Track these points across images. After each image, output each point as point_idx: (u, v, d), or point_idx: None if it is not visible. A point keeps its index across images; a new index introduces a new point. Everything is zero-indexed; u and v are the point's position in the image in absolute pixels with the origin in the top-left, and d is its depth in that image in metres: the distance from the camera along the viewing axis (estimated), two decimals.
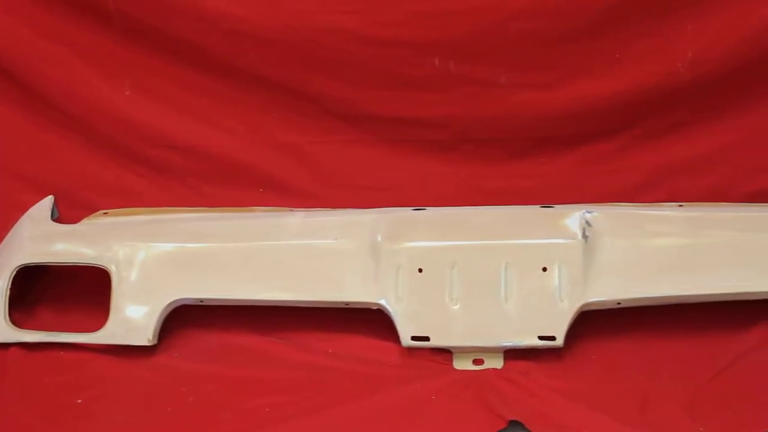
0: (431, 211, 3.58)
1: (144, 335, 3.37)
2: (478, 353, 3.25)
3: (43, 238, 3.58)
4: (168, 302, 3.38)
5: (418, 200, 3.70)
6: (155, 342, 3.39)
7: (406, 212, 3.56)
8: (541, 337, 3.21)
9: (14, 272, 3.48)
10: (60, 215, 3.78)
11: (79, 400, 3.20)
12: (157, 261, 3.45)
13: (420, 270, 3.28)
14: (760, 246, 3.30)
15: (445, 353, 3.28)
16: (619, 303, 3.24)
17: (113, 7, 3.71)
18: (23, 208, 3.76)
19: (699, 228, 3.39)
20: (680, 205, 3.65)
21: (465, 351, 3.26)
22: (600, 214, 3.40)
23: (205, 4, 3.65)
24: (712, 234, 3.37)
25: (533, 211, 3.54)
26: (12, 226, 3.69)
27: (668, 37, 3.63)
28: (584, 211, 3.40)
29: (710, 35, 3.61)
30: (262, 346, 3.40)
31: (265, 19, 3.65)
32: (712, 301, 3.26)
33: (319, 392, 3.17)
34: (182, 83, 3.82)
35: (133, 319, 3.39)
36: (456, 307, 3.25)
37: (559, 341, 3.20)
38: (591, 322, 3.29)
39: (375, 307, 3.31)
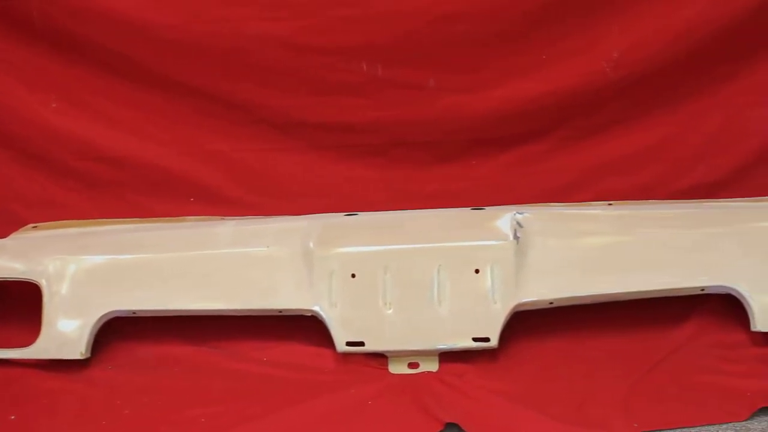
0: (363, 216, 3.59)
1: (77, 349, 3.34)
2: (413, 357, 3.26)
3: None
4: (100, 315, 3.35)
5: (350, 205, 3.71)
6: (88, 355, 3.35)
7: (338, 218, 3.58)
8: (475, 339, 3.22)
9: None
10: None
11: (13, 417, 3.15)
12: (88, 274, 3.42)
13: (353, 275, 3.28)
14: (688, 243, 3.35)
15: (381, 358, 3.28)
16: (551, 302, 3.27)
17: (38, 18, 3.67)
18: None
19: (629, 226, 3.43)
20: (610, 204, 3.69)
21: (400, 355, 3.26)
22: (531, 214, 3.43)
23: (131, 13, 3.63)
24: (642, 232, 3.41)
25: (464, 213, 3.56)
26: None
27: (594, 38, 3.68)
28: (515, 212, 3.43)
29: (635, 36, 3.67)
30: (197, 356, 3.38)
31: (191, 27, 3.64)
32: (643, 298, 3.30)
33: (256, 400, 3.16)
34: (109, 94, 3.79)
35: (65, 332, 3.35)
36: (390, 311, 3.25)
37: (494, 342, 3.21)
38: (524, 322, 3.32)
39: (309, 314, 3.31)
